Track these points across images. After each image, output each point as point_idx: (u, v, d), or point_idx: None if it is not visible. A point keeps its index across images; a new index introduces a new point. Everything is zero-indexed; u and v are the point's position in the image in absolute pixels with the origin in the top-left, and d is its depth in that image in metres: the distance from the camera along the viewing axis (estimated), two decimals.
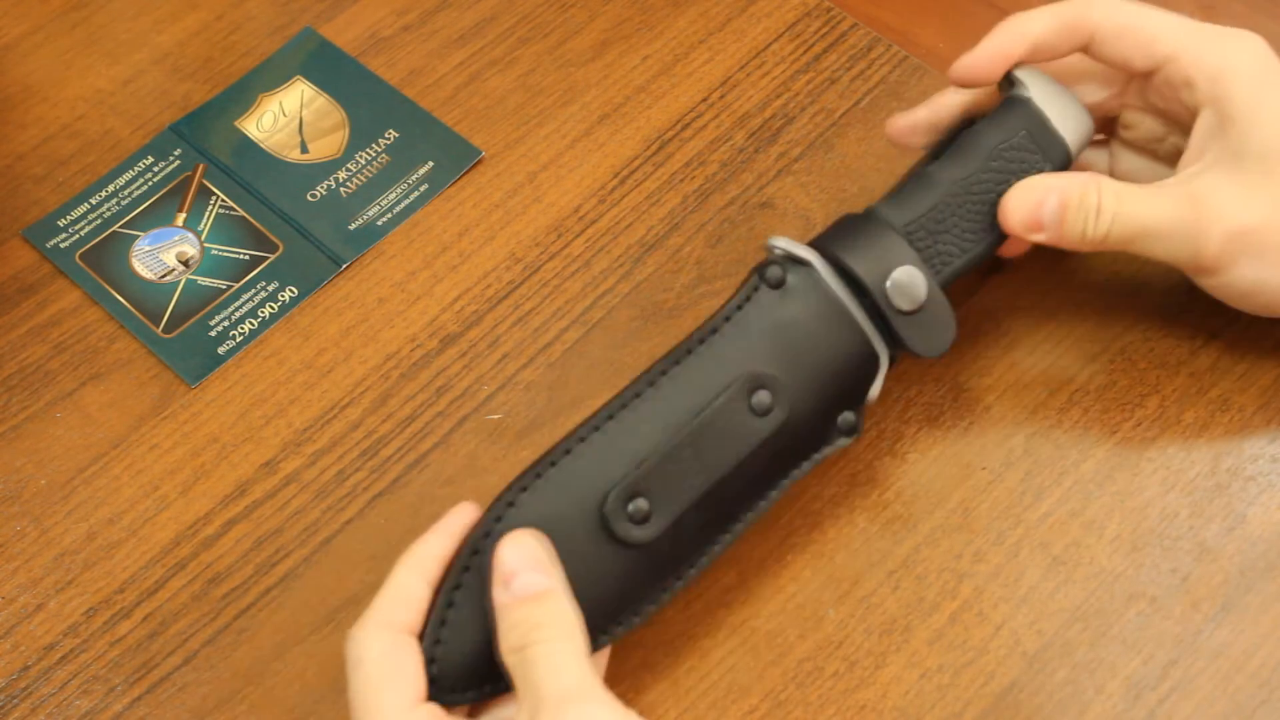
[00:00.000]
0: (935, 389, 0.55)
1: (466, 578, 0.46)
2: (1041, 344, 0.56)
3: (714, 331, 0.49)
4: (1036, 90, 0.53)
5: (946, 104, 0.55)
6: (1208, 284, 0.51)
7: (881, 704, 0.49)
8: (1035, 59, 0.53)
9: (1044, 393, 0.55)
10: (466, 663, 0.45)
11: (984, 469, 0.54)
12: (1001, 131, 0.52)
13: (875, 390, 0.51)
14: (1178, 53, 0.50)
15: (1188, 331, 0.56)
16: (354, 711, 0.44)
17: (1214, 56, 0.50)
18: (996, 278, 0.57)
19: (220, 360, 0.59)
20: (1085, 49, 0.52)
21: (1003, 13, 0.68)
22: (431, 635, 0.45)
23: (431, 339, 0.59)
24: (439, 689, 0.45)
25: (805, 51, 0.65)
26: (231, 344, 0.59)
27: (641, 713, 0.50)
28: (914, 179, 0.52)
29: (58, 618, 0.53)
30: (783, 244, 0.50)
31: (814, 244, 0.51)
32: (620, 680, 0.50)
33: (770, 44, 0.66)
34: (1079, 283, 0.57)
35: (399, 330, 0.59)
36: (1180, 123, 0.52)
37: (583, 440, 0.48)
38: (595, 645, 0.46)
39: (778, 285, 0.50)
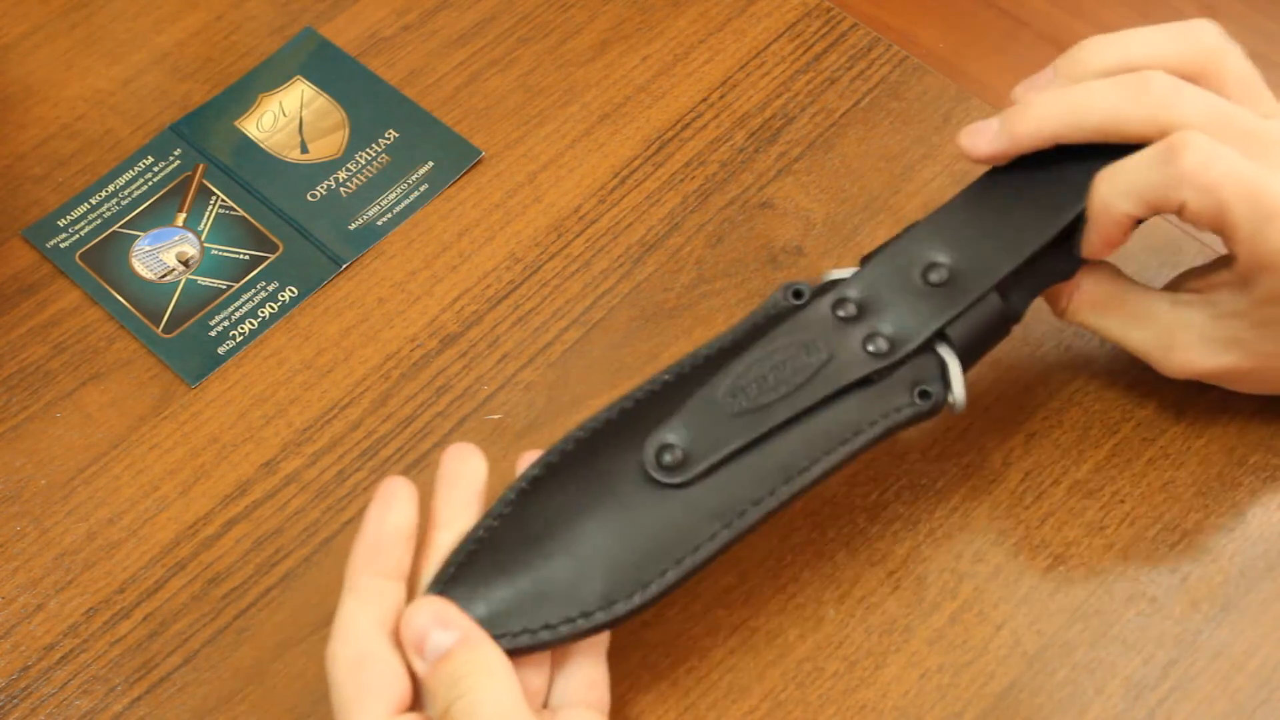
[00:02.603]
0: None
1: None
2: (1041, 344, 0.56)
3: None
4: None
5: (1028, 143, 0.50)
6: None
7: (881, 704, 0.49)
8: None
9: (1044, 393, 0.55)
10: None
11: (984, 470, 0.54)
12: None
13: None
14: (1248, 237, 0.47)
15: None
16: None
17: (1272, 245, 0.46)
18: None
19: (220, 360, 0.59)
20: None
21: (1003, 13, 0.68)
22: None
23: (431, 339, 0.59)
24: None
25: (805, 51, 0.65)
26: (231, 344, 0.59)
27: (641, 713, 0.50)
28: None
29: (58, 618, 0.53)
30: (948, 374, 0.49)
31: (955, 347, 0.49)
32: (620, 680, 0.50)
33: (770, 44, 0.66)
34: None
35: (399, 330, 0.59)
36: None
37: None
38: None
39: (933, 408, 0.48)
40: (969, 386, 0.55)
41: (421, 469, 0.55)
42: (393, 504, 0.46)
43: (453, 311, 0.59)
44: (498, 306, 0.59)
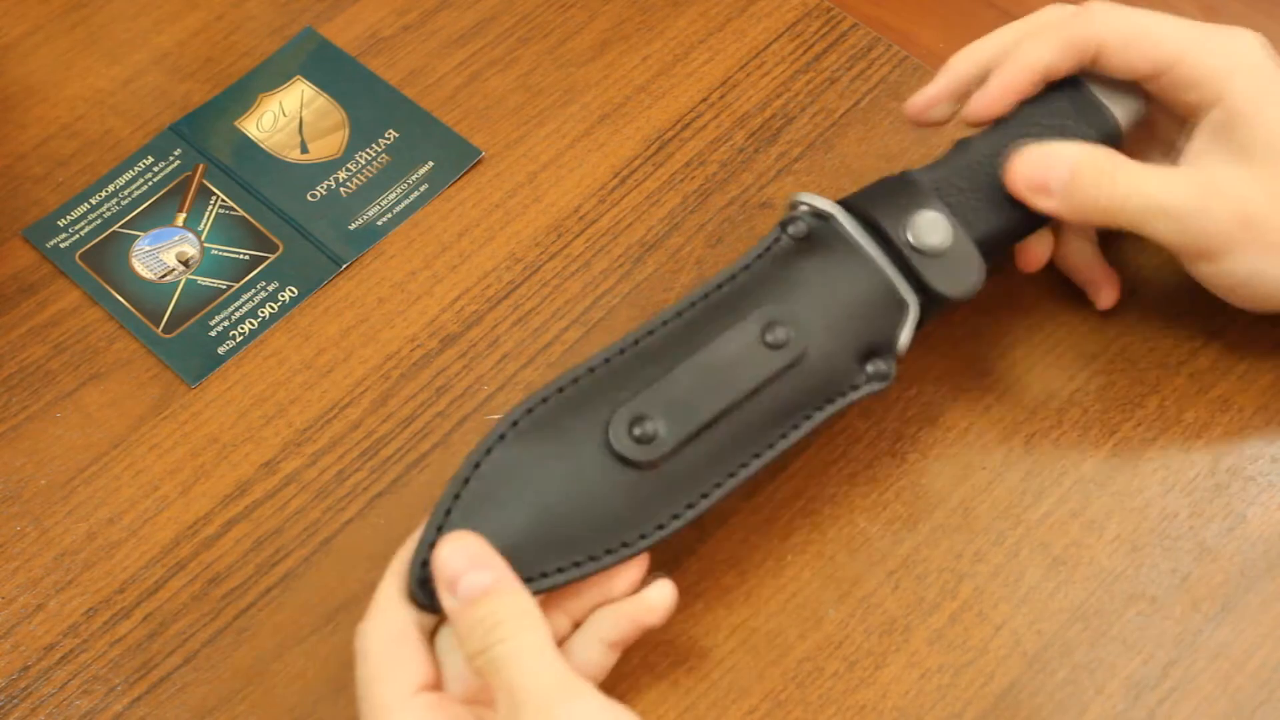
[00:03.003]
0: (935, 389, 0.55)
1: (467, 489, 0.46)
2: (1041, 343, 0.56)
3: (732, 279, 0.50)
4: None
5: (963, 71, 0.54)
6: (1204, 270, 0.51)
7: (881, 704, 0.49)
8: (1046, 81, 0.52)
9: (1043, 393, 0.55)
10: None
11: (984, 469, 0.54)
12: (1043, 101, 0.52)
13: (905, 337, 0.50)
14: (1183, 55, 0.50)
15: (1188, 331, 0.56)
16: (359, 701, 0.45)
17: (1219, 57, 0.50)
18: (995, 277, 0.57)
19: (220, 360, 0.59)
20: (1092, 63, 0.52)
21: (1003, 13, 0.68)
22: (427, 539, 0.46)
23: (431, 339, 0.59)
24: (427, 593, 0.45)
25: (805, 51, 0.65)
26: (231, 344, 0.59)
27: (641, 713, 0.50)
28: (952, 146, 0.53)
29: (58, 618, 0.53)
30: (806, 199, 0.51)
31: (840, 200, 0.51)
32: (620, 680, 0.50)
33: (770, 44, 0.66)
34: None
35: (399, 330, 0.59)
36: (1179, 121, 0.53)
37: (593, 370, 0.48)
38: (600, 566, 0.47)
39: (800, 238, 0.50)
40: (969, 383, 0.55)
41: (422, 469, 0.55)
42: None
43: (453, 311, 0.59)
44: (498, 306, 0.59)
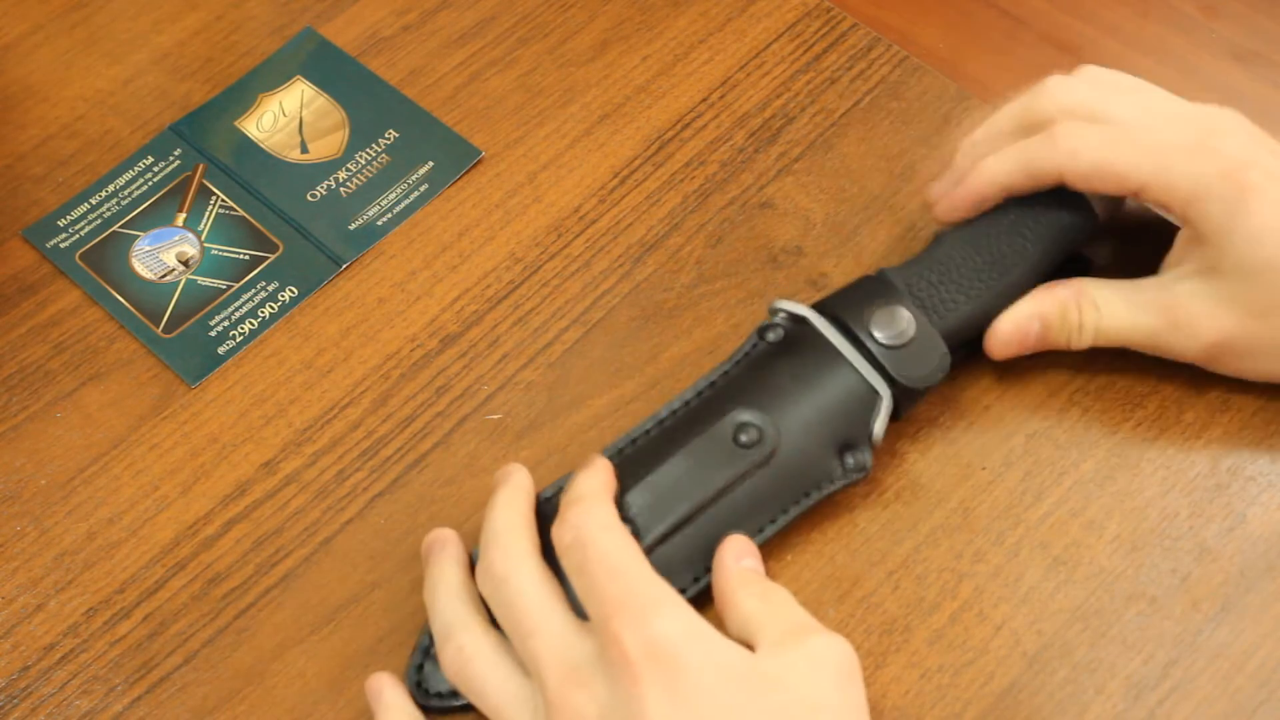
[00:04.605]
0: (935, 390, 0.55)
1: None
2: None
3: (712, 384, 0.52)
4: None
5: (968, 166, 0.55)
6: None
7: (881, 704, 0.49)
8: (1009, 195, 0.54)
9: (1044, 393, 0.55)
10: None
11: (984, 469, 0.54)
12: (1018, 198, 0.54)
13: (879, 427, 0.52)
14: (1146, 185, 0.51)
15: None
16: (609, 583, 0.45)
17: (1184, 182, 0.50)
18: None
19: (220, 360, 0.59)
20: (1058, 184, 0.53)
21: (1003, 13, 0.68)
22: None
23: (431, 339, 0.59)
24: (424, 693, 0.48)
25: (805, 51, 0.65)
26: (231, 344, 0.59)
27: None
28: (931, 240, 0.55)
29: (58, 618, 0.53)
30: (784, 305, 0.54)
31: (814, 303, 0.54)
32: None
33: (770, 44, 0.66)
34: None
35: (399, 330, 0.59)
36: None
37: None
38: None
39: (777, 342, 0.53)
40: (969, 383, 0.55)
41: (421, 469, 0.55)
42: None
43: (453, 311, 0.59)
44: (498, 306, 0.59)
